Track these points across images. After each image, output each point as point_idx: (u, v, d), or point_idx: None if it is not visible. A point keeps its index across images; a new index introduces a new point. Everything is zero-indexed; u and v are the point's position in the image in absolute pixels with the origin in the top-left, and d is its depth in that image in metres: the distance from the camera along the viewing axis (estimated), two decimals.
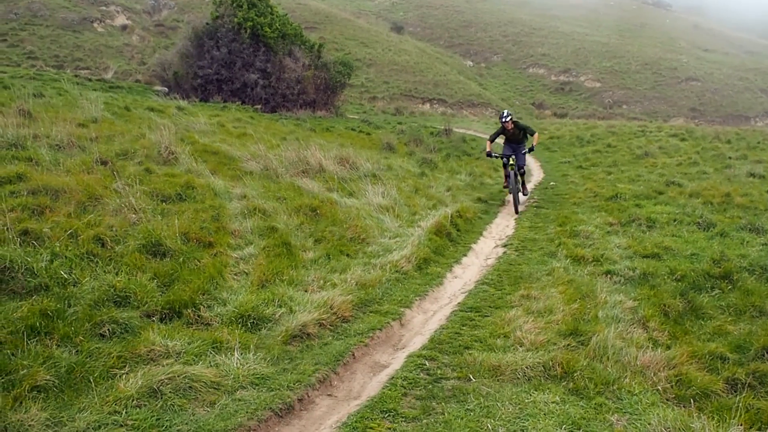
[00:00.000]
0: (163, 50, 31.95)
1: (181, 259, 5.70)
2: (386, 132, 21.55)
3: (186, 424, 3.44)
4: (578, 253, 7.55)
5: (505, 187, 11.81)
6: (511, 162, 11.21)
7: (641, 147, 19.46)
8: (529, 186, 14.62)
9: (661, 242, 7.99)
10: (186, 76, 24.80)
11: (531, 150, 11.49)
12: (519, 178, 11.40)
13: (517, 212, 10.89)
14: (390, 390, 4.07)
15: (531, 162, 19.42)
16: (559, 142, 23.20)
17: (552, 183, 14.71)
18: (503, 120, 11.32)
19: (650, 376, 4.36)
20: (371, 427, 3.60)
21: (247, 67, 25.06)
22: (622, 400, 4.05)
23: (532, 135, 11.47)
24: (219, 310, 4.94)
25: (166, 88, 23.98)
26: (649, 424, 3.68)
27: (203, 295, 5.11)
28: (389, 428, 3.62)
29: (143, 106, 15.86)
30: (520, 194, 11.66)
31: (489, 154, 11.53)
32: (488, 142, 11.75)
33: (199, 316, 4.80)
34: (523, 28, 65.03)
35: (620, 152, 19.25)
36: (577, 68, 54.98)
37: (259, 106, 23.71)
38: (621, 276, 6.78)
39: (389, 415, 3.76)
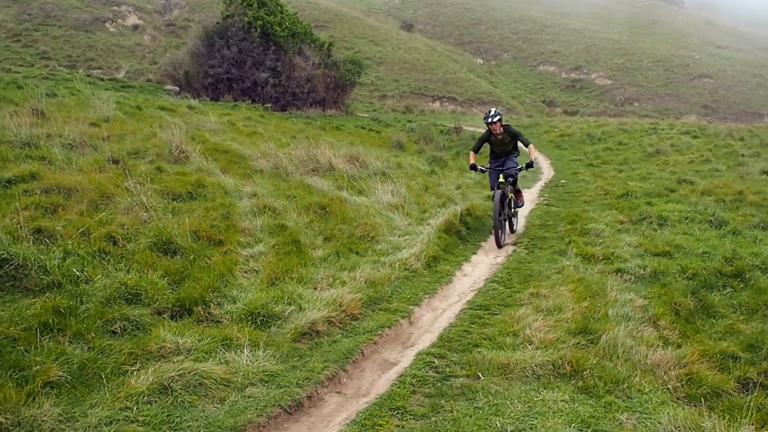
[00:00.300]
0: (174, 50, 32.15)
1: (191, 257, 5.73)
2: (396, 130, 21.55)
3: (196, 420, 3.46)
4: (588, 251, 7.51)
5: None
6: (501, 180, 8.59)
7: (653, 144, 19.31)
8: (539, 185, 14.51)
9: (672, 240, 7.93)
10: (197, 76, 24.94)
11: (530, 166, 8.63)
12: (507, 199, 8.73)
13: (500, 245, 8.36)
14: (399, 388, 4.08)
15: (541, 159, 19.33)
16: (569, 140, 23.08)
17: (562, 181, 14.64)
18: (489, 120, 8.55)
19: (660, 375, 4.34)
20: (380, 425, 3.61)
21: (257, 65, 25.15)
22: (632, 398, 4.03)
23: (527, 146, 8.79)
24: (229, 308, 4.97)
25: (177, 88, 24.13)
26: (659, 423, 3.66)
27: (213, 292, 5.14)
28: (398, 426, 3.62)
29: (154, 105, 15.96)
30: (509, 223, 9.12)
31: (474, 167, 8.80)
32: (471, 153, 8.89)
33: (209, 313, 4.83)
34: (534, 25, 64.75)
35: (631, 150, 19.12)
36: (588, 65, 54.69)
37: (269, 105, 23.79)
38: (632, 274, 6.73)
39: (398, 413, 3.77)
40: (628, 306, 5.66)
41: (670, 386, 4.22)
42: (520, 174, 9.05)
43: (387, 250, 7.24)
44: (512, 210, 9.11)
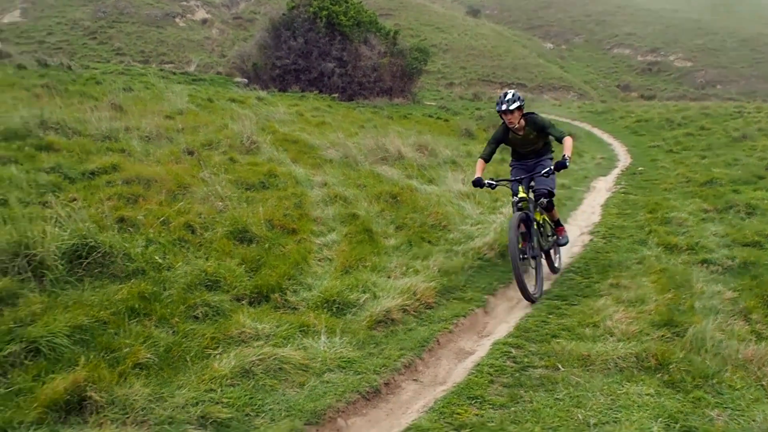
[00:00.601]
0: (242, 42, 32.97)
1: (266, 245, 5.86)
2: (464, 118, 21.30)
3: (277, 403, 3.53)
4: (671, 241, 7.18)
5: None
6: (521, 195, 5.73)
7: (738, 129, 18.22)
8: (615, 172, 13.95)
9: (762, 230, 7.46)
10: (264, 67, 25.45)
11: (562, 166, 5.54)
12: (535, 225, 5.84)
13: (531, 299, 5.47)
14: (476, 377, 4.02)
15: (617, 146, 18.59)
16: (647, 126, 22.18)
17: (640, 168, 14.06)
18: (503, 108, 5.67)
19: (754, 371, 4.09)
20: (458, 413, 3.57)
21: (323, 56, 25.42)
22: (722, 394, 3.82)
23: (561, 140, 5.80)
24: (305, 295, 5.05)
25: (246, 79, 24.74)
26: (753, 420, 3.47)
27: (289, 280, 5.23)
28: (477, 415, 3.57)
29: (225, 98, 16.43)
30: (548, 260, 6.32)
31: (479, 183, 5.79)
32: (479, 161, 6.04)
33: (285, 300, 4.92)
34: (607, 6, 62.38)
35: (715, 135, 18.14)
36: (665, 47, 52.21)
37: (336, 95, 24.03)
38: (719, 265, 6.38)
39: (476, 402, 3.72)
40: (716, 298, 5.36)
41: (764, 383, 3.96)
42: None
43: (459, 239, 7.15)
44: (548, 240, 6.23)
